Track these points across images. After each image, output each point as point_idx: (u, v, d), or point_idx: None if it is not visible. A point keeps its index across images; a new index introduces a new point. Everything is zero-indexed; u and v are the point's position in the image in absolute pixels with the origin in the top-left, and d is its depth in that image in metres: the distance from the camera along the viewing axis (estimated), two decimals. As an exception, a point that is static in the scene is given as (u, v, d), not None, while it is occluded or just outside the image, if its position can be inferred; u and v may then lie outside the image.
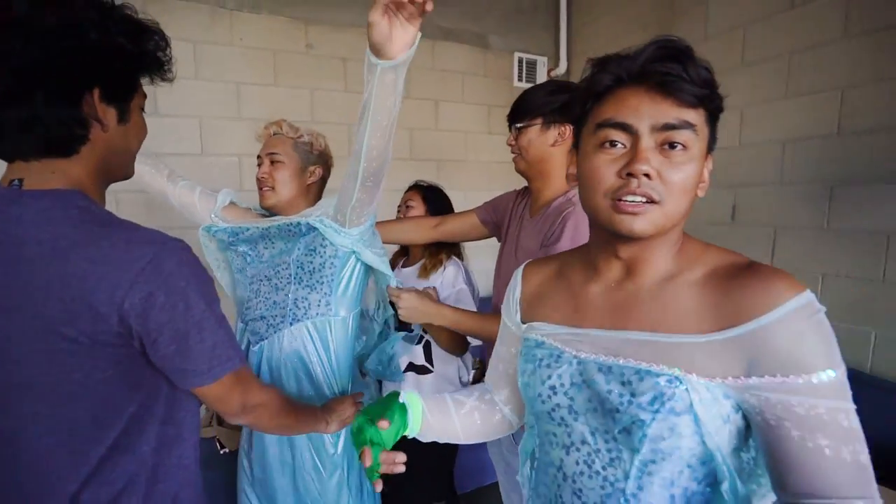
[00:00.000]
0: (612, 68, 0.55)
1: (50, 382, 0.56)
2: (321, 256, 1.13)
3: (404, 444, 0.72)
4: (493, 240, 1.42)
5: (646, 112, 0.53)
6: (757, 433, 0.52)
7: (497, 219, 1.34)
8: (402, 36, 0.74)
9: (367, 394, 1.22)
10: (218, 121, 2.15)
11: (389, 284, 1.17)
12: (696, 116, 0.53)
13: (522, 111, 1.11)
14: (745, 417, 0.53)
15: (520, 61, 2.75)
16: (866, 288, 1.59)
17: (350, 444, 1.18)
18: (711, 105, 0.55)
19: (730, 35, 1.95)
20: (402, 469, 0.68)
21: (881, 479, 1.03)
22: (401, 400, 0.72)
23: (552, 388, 0.61)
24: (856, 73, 1.57)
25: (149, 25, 0.63)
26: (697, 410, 0.50)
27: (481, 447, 1.18)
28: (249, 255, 1.19)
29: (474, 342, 1.40)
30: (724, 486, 0.53)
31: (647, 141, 0.53)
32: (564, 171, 1.10)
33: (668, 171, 0.52)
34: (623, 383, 0.54)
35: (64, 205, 0.57)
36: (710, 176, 0.58)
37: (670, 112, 0.52)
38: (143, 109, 0.68)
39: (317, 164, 1.20)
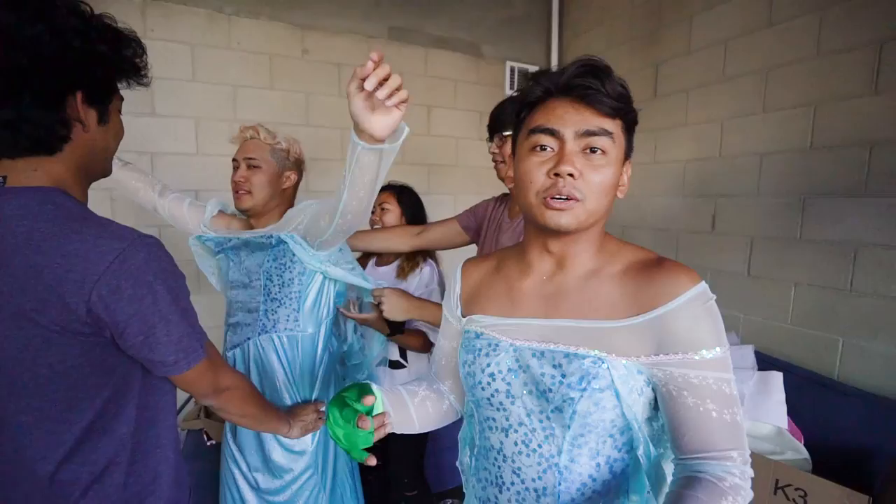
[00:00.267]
0: (542, 81, 0.63)
1: (24, 366, 0.60)
2: (290, 272, 1.18)
3: (378, 442, 0.75)
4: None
5: (570, 120, 0.60)
6: (662, 402, 0.61)
7: (477, 224, 1.39)
8: (382, 119, 0.72)
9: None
10: (214, 122, 2.20)
11: (372, 289, 1.23)
12: (613, 125, 0.61)
13: (505, 120, 1.16)
14: (654, 390, 0.62)
15: (511, 70, 2.82)
16: (834, 297, 1.64)
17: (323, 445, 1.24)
18: (627, 117, 0.63)
19: (712, 50, 2.01)
20: (390, 430, 0.74)
21: (844, 481, 1.08)
22: (366, 383, 0.76)
23: (491, 374, 0.67)
24: (827, 90, 1.63)
25: (127, 34, 0.67)
26: (617, 386, 0.59)
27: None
28: (233, 261, 1.25)
29: None
30: (640, 451, 0.62)
31: (572, 145, 0.60)
32: None
33: (590, 172, 0.60)
34: (554, 366, 0.61)
35: (41, 201, 0.61)
36: (629, 180, 0.67)
37: (591, 120, 0.60)
38: (120, 111, 0.73)
39: (292, 170, 1.25)
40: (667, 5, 2.22)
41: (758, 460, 1.24)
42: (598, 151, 0.60)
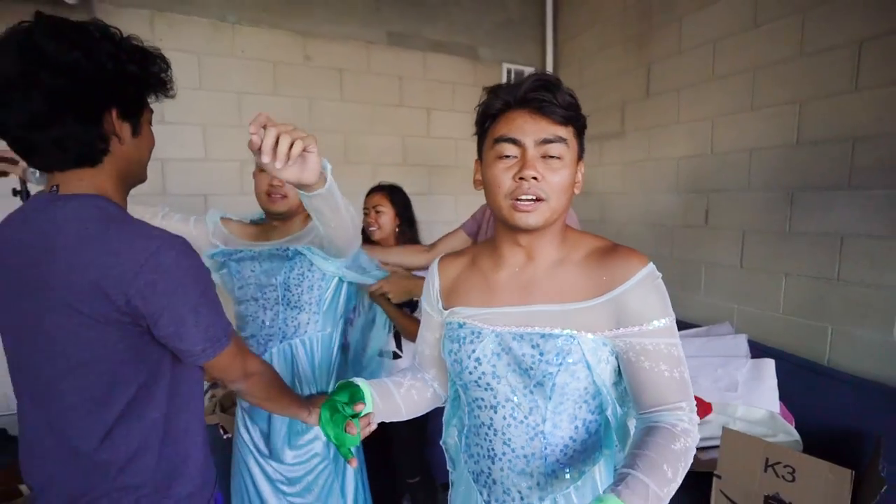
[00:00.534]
0: (502, 95, 0.71)
1: (72, 351, 0.66)
2: (309, 279, 1.23)
3: (381, 431, 0.82)
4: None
5: (529, 130, 0.68)
6: (623, 367, 0.71)
7: (478, 227, 1.47)
8: (301, 170, 0.72)
9: None
10: (220, 128, 2.27)
11: (370, 286, 1.30)
12: (566, 132, 0.69)
13: None
14: (616, 358, 0.71)
15: (508, 71, 2.88)
16: (823, 286, 1.71)
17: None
18: (577, 123, 0.71)
19: (701, 49, 2.08)
20: (374, 427, 0.80)
21: (833, 460, 1.15)
22: (356, 383, 0.81)
23: (477, 359, 0.74)
24: (811, 88, 1.70)
25: (152, 52, 0.74)
26: (588, 358, 0.68)
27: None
28: (236, 277, 1.28)
29: None
30: (609, 412, 0.72)
31: (533, 152, 0.68)
32: None
33: (550, 175, 0.68)
34: (533, 346, 0.70)
35: (88, 206, 0.68)
36: (582, 177, 0.74)
37: (548, 129, 0.68)
38: (150, 123, 0.80)
39: None
40: (657, 7, 2.29)
41: (749, 441, 1.31)
42: (556, 157, 0.68)
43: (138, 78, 0.71)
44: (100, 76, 0.66)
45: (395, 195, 1.77)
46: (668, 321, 0.68)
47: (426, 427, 1.64)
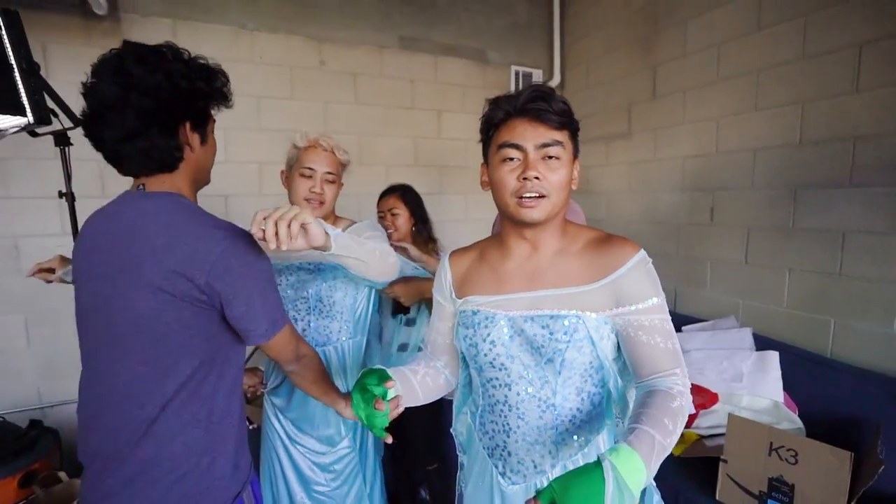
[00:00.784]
0: (503, 105, 0.79)
1: (150, 323, 0.74)
2: (341, 291, 1.29)
3: (398, 421, 0.88)
4: (471, 233, 1.63)
5: (529, 136, 0.76)
6: (623, 342, 0.78)
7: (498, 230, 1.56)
8: (305, 241, 0.78)
9: None
10: (240, 132, 2.35)
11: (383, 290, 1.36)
12: (561, 136, 0.78)
13: None
14: (616, 335, 0.79)
15: (516, 74, 2.95)
16: (825, 281, 1.77)
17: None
18: (571, 126, 0.79)
19: (706, 52, 2.14)
20: (402, 409, 0.86)
21: (836, 445, 1.21)
22: (382, 368, 0.88)
23: (492, 342, 0.82)
24: (813, 90, 1.76)
25: (215, 68, 0.84)
26: (592, 335, 0.77)
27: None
28: None
29: None
30: (611, 384, 0.81)
31: (534, 155, 0.77)
32: None
33: (550, 174, 0.77)
34: (543, 327, 0.78)
35: (172, 200, 0.79)
36: (578, 175, 0.83)
37: (546, 134, 0.76)
38: (213, 132, 0.89)
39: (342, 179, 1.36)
40: (662, 11, 2.35)
41: (754, 427, 1.37)
42: (554, 158, 0.77)
43: (205, 93, 0.81)
44: (176, 94, 0.76)
45: (408, 196, 1.83)
46: (659, 300, 0.77)
47: (441, 416, 1.72)
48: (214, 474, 0.81)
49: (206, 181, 0.90)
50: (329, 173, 1.25)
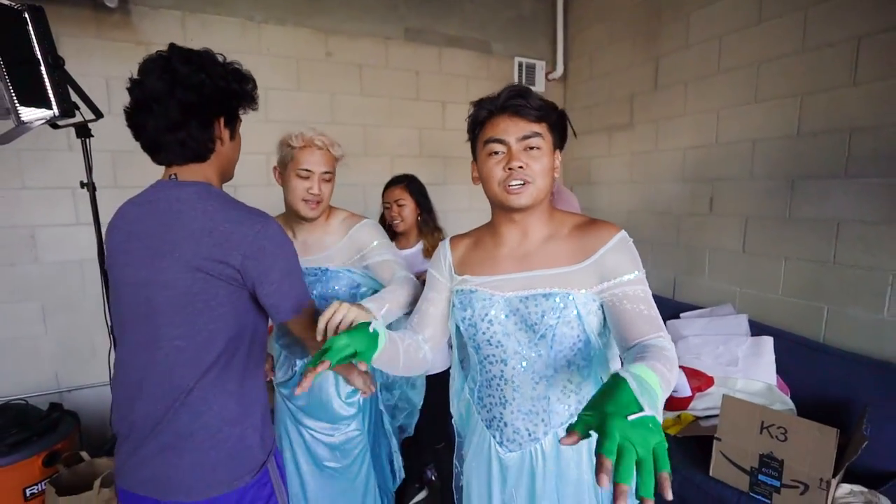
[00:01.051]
0: (485, 105, 0.87)
1: (187, 300, 0.81)
2: (346, 292, 1.33)
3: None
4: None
5: (511, 130, 0.84)
6: (609, 313, 0.83)
7: None
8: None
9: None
10: (248, 123, 2.34)
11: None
12: (540, 128, 0.84)
13: None
14: (602, 310, 0.85)
15: (520, 65, 2.98)
16: (819, 269, 1.83)
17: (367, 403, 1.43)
18: (549, 119, 0.86)
19: (708, 44, 2.17)
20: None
21: (826, 423, 1.27)
22: (371, 329, 0.82)
23: (490, 320, 0.89)
24: (812, 82, 1.80)
25: (246, 73, 0.92)
26: (580, 311, 0.83)
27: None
28: None
29: None
30: (595, 356, 0.87)
31: (516, 147, 0.84)
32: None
33: (532, 162, 0.84)
34: (536, 305, 0.85)
35: (207, 189, 0.86)
36: (560, 164, 0.90)
37: (526, 127, 0.83)
38: (239, 130, 0.95)
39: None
40: (665, 3, 2.37)
41: (746, 406, 1.44)
42: (535, 148, 0.84)
43: (238, 93, 0.88)
44: (215, 92, 0.83)
45: (413, 186, 1.87)
46: (640, 274, 0.83)
47: (447, 394, 1.78)
48: (244, 443, 0.87)
49: (231, 176, 0.97)
50: (326, 172, 1.26)
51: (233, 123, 0.91)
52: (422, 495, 2.04)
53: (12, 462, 1.62)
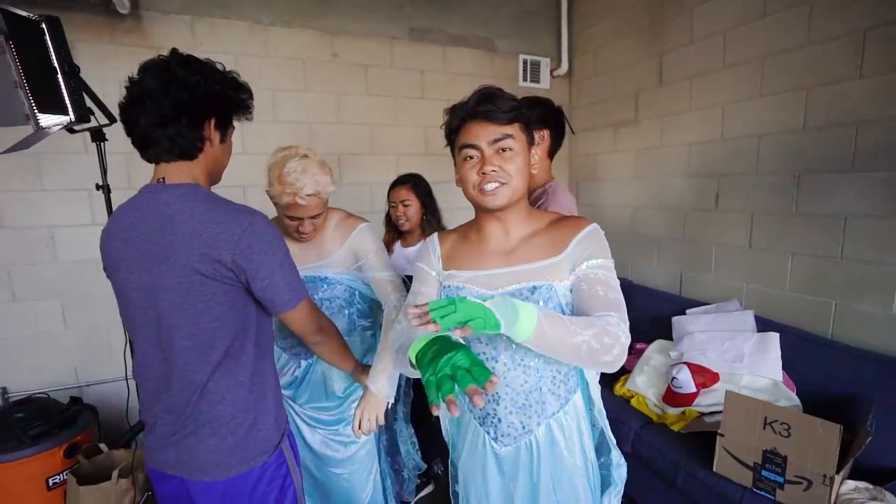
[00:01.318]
0: (458, 113, 0.90)
1: (188, 303, 0.84)
2: (347, 296, 1.37)
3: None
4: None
5: (482, 135, 0.86)
6: (575, 295, 0.88)
7: None
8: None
9: None
10: (256, 124, 2.39)
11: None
12: (511, 129, 0.87)
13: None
14: (571, 292, 0.89)
15: (524, 62, 2.98)
16: (827, 264, 1.81)
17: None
18: (520, 119, 0.88)
19: (712, 39, 2.16)
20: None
21: (832, 420, 1.27)
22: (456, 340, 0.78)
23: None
24: (818, 76, 1.78)
25: (243, 84, 0.95)
26: (560, 300, 0.88)
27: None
28: None
29: None
30: None
31: (489, 150, 0.87)
32: (545, 165, 1.36)
33: (506, 164, 0.87)
34: (524, 299, 0.87)
35: (194, 191, 0.88)
36: (538, 159, 0.94)
37: (496, 130, 0.86)
38: (231, 137, 0.98)
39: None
40: (670, -2, 2.36)
41: (750, 402, 1.44)
42: (508, 149, 0.87)
43: (232, 100, 0.92)
44: (209, 94, 0.86)
45: (419, 187, 1.90)
46: (606, 261, 0.87)
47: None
48: (258, 427, 0.93)
49: (219, 179, 0.99)
50: (315, 217, 1.23)
51: (224, 127, 0.93)
52: (428, 489, 2.07)
53: (36, 453, 1.70)
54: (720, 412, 1.62)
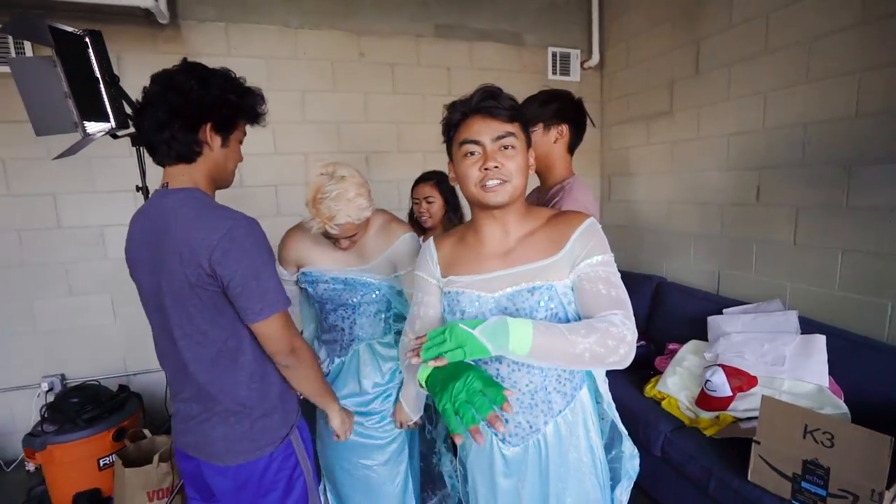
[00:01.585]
0: (459, 108, 0.88)
1: (182, 304, 0.88)
2: (386, 300, 1.37)
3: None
4: None
5: (485, 131, 0.85)
6: (577, 294, 0.86)
7: None
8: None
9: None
10: (287, 125, 2.51)
11: None
12: (513, 127, 0.86)
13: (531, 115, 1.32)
14: (572, 290, 0.87)
15: (553, 55, 2.91)
16: (882, 262, 1.67)
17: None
18: (521, 119, 0.88)
19: (753, 23, 2.03)
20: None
21: (885, 432, 1.17)
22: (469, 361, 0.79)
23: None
24: (872, 58, 1.64)
25: (251, 89, 0.96)
26: (561, 298, 0.86)
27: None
28: (313, 293, 1.37)
29: None
30: None
31: (491, 147, 0.85)
32: (564, 161, 1.31)
33: (507, 161, 0.85)
34: (524, 301, 0.86)
35: (189, 195, 0.90)
36: (534, 160, 0.93)
37: (499, 128, 0.85)
38: (240, 142, 0.99)
39: None
40: (707, -19, 2.24)
41: (788, 409, 1.36)
42: (509, 147, 0.86)
43: (234, 104, 0.92)
44: (203, 99, 0.88)
45: (443, 184, 1.89)
46: (606, 257, 0.85)
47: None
48: (264, 421, 0.97)
49: (227, 183, 1.00)
50: (353, 236, 1.23)
51: (225, 131, 0.93)
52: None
53: (89, 435, 1.84)
54: (757, 418, 1.53)
